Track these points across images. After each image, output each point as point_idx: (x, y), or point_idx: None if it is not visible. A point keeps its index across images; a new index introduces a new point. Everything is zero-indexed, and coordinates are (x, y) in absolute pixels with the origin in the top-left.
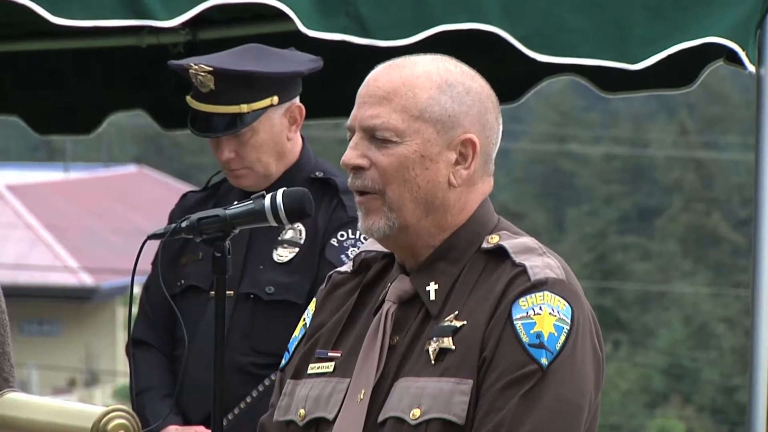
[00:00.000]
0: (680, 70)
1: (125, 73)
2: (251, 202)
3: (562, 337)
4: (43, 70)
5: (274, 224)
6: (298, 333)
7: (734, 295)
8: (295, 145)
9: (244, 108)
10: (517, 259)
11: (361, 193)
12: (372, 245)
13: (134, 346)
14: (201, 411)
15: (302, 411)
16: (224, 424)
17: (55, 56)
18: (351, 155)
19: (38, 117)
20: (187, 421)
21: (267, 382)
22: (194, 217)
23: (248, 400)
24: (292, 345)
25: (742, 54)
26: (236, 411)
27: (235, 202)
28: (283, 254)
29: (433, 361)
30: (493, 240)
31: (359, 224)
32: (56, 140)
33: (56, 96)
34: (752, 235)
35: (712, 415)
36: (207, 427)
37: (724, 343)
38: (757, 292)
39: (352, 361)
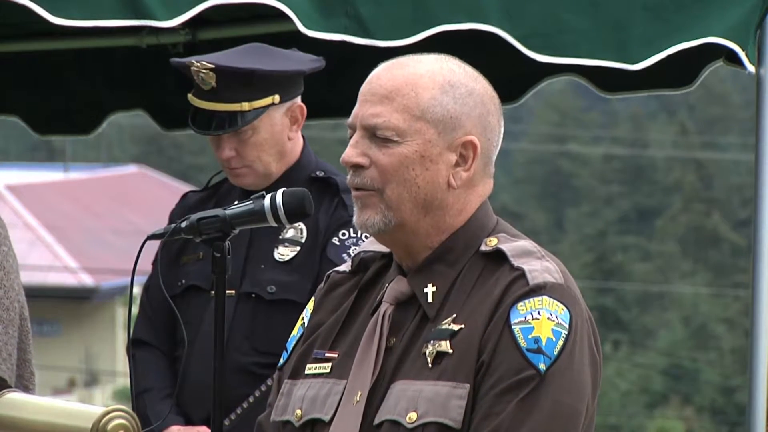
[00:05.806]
0: (680, 71)
1: (125, 73)
2: (251, 202)
3: (560, 342)
4: (43, 70)
5: (274, 224)
6: (296, 332)
7: (734, 296)
8: (295, 145)
9: (246, 106)
10: (516, 262)
11: (359, 189)
12: (371, 245)
13: (135, 346)
14: (203, 411)
15: (299, 412)
16: (226, 424)
17: (55, 56)
18: (351, 153)
19: (38, 117)
20: (189, 422)
21: (269, 381)
22: (194, 217)
23: (250, 400)
24: (290, 344)
25: (742, 54)
26: (238, 411)
27: (236, 202)
28: (284, 253)
29: (430, 365)
30: (491, 242)
31: (354, 219)
32: (56, 140)
33: (56, 96)
34: (752, 236)
35: (711, 416)
36: (209, 427)
37: (723, 343)
38: (756, 292)
39: (349, 363)
